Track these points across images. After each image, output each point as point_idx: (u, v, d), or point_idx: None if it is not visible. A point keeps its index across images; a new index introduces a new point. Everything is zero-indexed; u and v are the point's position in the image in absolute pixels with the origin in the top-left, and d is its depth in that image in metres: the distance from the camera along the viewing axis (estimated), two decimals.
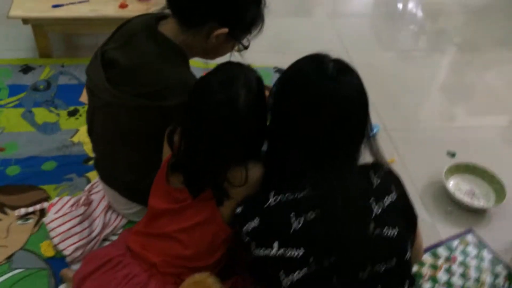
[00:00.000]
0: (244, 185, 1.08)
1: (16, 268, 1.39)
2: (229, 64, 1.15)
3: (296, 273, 1.01)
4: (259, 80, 1.11)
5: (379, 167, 1.11)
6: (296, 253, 1.00)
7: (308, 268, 1.00)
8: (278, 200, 1.03)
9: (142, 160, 1.32)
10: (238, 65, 1.12)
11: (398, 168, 1.97)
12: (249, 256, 1.07)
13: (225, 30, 1.25)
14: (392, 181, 1.11)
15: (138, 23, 1.31)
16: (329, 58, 1.06)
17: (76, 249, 1.40)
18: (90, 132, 1.44)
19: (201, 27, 1.25)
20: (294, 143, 1.05)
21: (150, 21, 1.29)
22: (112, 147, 1.36)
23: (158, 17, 1.30)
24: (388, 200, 1.06)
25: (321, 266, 1.01)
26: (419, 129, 2.23)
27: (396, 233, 1.03)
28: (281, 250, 1.00)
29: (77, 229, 1.43)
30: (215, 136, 1.05)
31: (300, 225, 1.00)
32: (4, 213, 1.54)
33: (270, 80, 2.27)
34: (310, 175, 1.03)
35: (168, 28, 1.27)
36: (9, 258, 1.42)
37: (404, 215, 1.10)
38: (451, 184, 1.86)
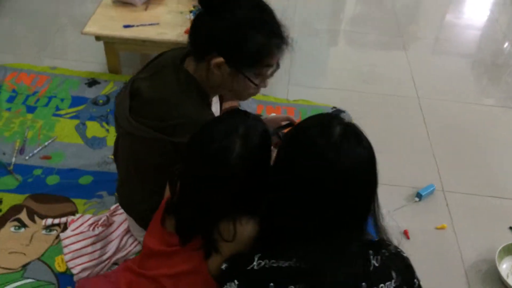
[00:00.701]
0: (232, 241, 1.01)
1: (27, 278, 1.44)
2: (234, 112, 1.10)
3: None
4: (264, 133, 1.04)
5: (382, 247, 0.99)
6: None
7: None
8: (261, 265, 0.95)
9: (156, 190, 1.30)
10: (243, 115, 1.06)
11: (447, 236, 1.79)
12: None
13: (220, 59, 1.19)
14: (395, 265, 0.97)
15: (169, 56, 1.31)
16: (339, 121, 0.97)
17: (84, 269, 1.41)
18: (115, 157, 1.46)
19: (203, 59, 1.22)
20: (289, 207, 0.96)
21: (178, 56, 1.28)
22: (129, 175, 1.36)
23: (187, 52, 1.29)
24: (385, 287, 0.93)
25: None
26: (484, 195, 2.00)
27: None
28: None
29: (89, 249, 1.44)
30: (204, 185, 1.00)
31: None
32: (33, 220, 1.60)
33: None
34: (299, 246, 0.94)
35: (191, 64, 1.25)
36: (25, 266, 1.46)
37: None
38: (504, 266, 1.64)
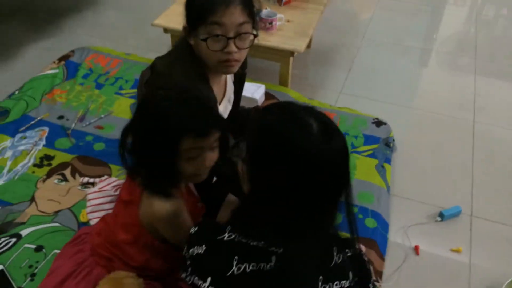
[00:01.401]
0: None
1: (56, 222, 1.68)
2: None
3: None
4: None
5: (347, 246, 1.03)
6: None
7: None
8: (231, 237, 0.99)
9: None
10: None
11: (460, 260, 1.74)
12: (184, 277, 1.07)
13: (185, 24, 1.35)
14: (354, 267, 1.01)
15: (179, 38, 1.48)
16: (311, 115, 0.97)
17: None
18: None
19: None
20: (266, 194, 0.98)
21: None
22: None
23: None
24: (338, 285, 0.97)
25: None
26: None
27: None
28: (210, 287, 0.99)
29: (106, 206, 1.65)
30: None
31: (238, 272, 0.96)
32: (73, 177, 1.85)
33: (362, 128, 2.20)
34: (269, 229, 0.97)
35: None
36: (57, 212, 1.71)
37: None
38: None
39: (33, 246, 1.59)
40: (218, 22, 1.28)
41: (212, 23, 1.29)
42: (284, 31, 2.37)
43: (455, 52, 3.07)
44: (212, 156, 1.16)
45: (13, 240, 1.61)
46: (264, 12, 2.41)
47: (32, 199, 1.76)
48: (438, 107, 2.52)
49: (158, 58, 1.48)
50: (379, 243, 1.72)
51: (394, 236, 1.82)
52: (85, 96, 2.27)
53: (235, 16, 1.29)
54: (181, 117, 1.09)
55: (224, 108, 1.59)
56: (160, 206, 1.13)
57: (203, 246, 1.01)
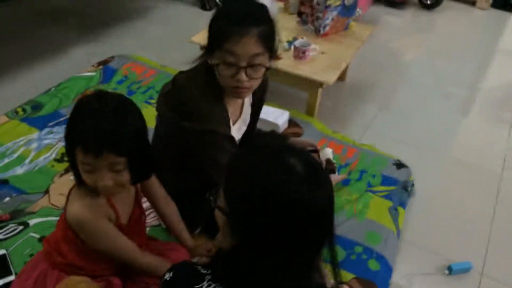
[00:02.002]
0: None
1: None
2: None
3: None
4: None
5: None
6: None
7: None
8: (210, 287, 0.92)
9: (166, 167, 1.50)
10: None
11: None
12: None
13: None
14: None
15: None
16: (295, 156, 0.91)
17: None
18: None
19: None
20: (248, 240, 0.89)
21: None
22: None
23: None
24: None
25: None
26: None
27: None
28: None
29: None
30: None
31: None
32: None
33: (381, 168, 2.17)
34: (249, 277, 0.90)
35: None
36: None
37: None
38: None
39: (38, 236, 1.64)
40: (231, 51, 1.31)
41: (225, 50, 1.31)
42: (317, 62, 2.39)
43: (497, 103, 2.99)
44: (113, 177, 1.13)
45: (21, 227, 1.67)
46: (299, 41, 2.44)
47: (46, 191, 1.82)
48: (467, 156, 2.46)
49: (180, 73, 1.53)
50: (379, 287, 1.67)
51: (397, 283, 1.76)
52: None
53: (249, 46, 1.30)
54: (82, 127, 1.09)
55: (238, 129, 1.61)
56: (70, 208, 1.20)
57: None
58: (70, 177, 1.89)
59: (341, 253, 1.75)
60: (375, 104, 2.81)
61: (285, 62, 2.33)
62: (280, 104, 2.42)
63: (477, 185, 2.28)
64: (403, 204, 2.01)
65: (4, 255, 1.56)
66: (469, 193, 2.23)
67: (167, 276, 0.95)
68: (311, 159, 0.92)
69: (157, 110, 1.56)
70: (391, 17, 4.05)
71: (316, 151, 1.64)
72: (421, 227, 2.00)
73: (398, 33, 3.80)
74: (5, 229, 1.66)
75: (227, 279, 0.91)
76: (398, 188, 2.08)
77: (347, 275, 1.67)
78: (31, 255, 1.57)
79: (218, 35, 1.32)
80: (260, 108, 1.72)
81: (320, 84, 2.31)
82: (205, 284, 0.90)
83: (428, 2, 4.21)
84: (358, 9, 3.41)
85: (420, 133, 2.59)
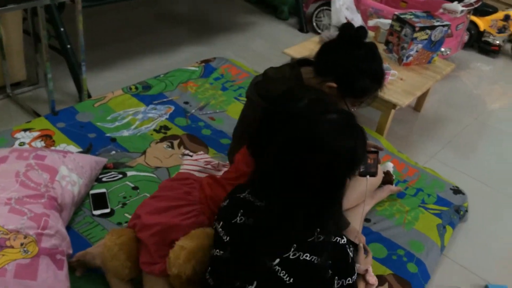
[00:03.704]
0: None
1: (153, 174, 2.08)
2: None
3: (217, 250, 1.29)
4: None
5: (333, 235, 1.20)
6: (225, 238, 1.27)
7: (224, 252, 1.26)
8: (245, 196, 1.27)
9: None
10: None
11: None
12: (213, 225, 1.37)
13: (334, 85, 1.61)
14: (334, 253, 1.18)
15: (296, 60, 1.81)
16: (333, 109, 1.22)
17: None
18: None
19: (322, 76, 1.65)
20: (279, 171, 1.18)
21: (299, 60, 1.77)
22: (236, 132, 1.92)
23: (307, 60, 1.75)
24: (308, 258, 1.15)
25: (231, 256, 1.25)
26: None
27: (290, 280, 1.15)
28: (221, 229, 1.29)
29: (195, 174, 2.00)
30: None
31: (240, 222, 1.24)
32: (179, 147, 2.26)
33: (438, 189, 2.30)
34: (273, 195, 1.19)
35: (306, 69, 1.71)
36: (157, 168, 2.12)
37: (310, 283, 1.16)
38: None
39: (132, 185, 2.00)
40: (365, 101, 1.69)
41: (362, 101, 1.69)
42: (394, 85, 2.60)
43: None
44: None
45: (120, 176, 2.04)
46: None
47: (144, 153, 2.20)
48: None
49: (270, 68, 1.83)
50: (414, 287, 1.82)
51: None
52: (210, 93, 2.71)
53: None
54: None
55: None
56: None
57: (227, 200, 1.32)
58: (163, 146, 2.26)
59: (383, 252, 1.93)
60: (446, 139, 2.94)
61: None
62: None
63: None
64: (452, 224, 2.14)
65: (104, 192, 1.94)
66: None
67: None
68: (350, 117, 1.20)
69: (246, 96, 1.87)
70: (481, 64, 4.12)
71: (377, 152, 1.84)
72: (465, 248, 2.12)
73: (485, 80, 3.88)
74: (108, 174, 2.04)
75: (254, 190, 1.25)
76: (451, 210, 2.21)
77: (385, 270, 1.85)
78: (124, 197, 1.94)
79: (362, 91, 1.65)
80: None
81: (393, 106, 2.51)
82: (244, 194, 1.26)
83: None
84: (446, 48, 3.57)
85: (486, 171, 2.68)
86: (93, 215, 1.84)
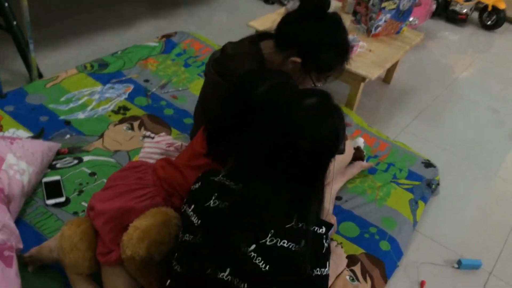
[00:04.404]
0: None
1: (113, 158, 1.95)
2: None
3: (186, 235, 1.19)
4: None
5: (310, 222, 1.13)
6: (196, 221, 1.18)
7: (194, 237, 1.17)
8: (219, 179, 1.20)
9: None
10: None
11: None
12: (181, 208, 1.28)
13: (298, 59, 1.50)
14: (311, 240, 1.12)
15: (254, 33, 1.69)
16: (309, 93, 1.19)
17: None
18: None
19: (284, 50, 1.53)
20: (260, 155, 1.17)
21: (259, 34, 1.65)
22: (197, 113, 1.83)
23: (268, 33, 1.64)
24: (286, 244, 1.09)
25: (202, 241, 1.16)
26: None
27: (265, 268, 1.08)
28: (191, 213, 1.20)
29: (156, 156, 1.89)
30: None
31: (214, 205, 1.16)
32: (139, 128, 2.12)
33: (409, 164, 2.26)
34: (251, 178, 1.16)
35: (267, 43, 1.60)
36: (116, 152, 1.99)
37: (284, 271, 1.10)
38: None
39: (89, 171, 1.87)
40: (330, 75, 1.59)
41: (327, 76, 1.59)
42: (363, 58, 2.51)
43: None
44: None
45: (75, 161, 1.91)
46: (349, 37, 2.56)
47: (101, 136, 2.05)
48: (500, 172, 2.50)
49: (229, 43, 1.71)
50: (387, 266, 1.77)
51: (405, 267, 1.85)
52: (172, 70, 2.57)
53: None
54: None
55: None
56: None
57: (199, 183, 1.23)
58: (123, 127, 2.12)
59: (355, 230, 1.87)
60: (416, 110, 2.88)
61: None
62: None
63: (504, 199, 2.33)
64: (424, 199, 2.10)
65: (58, 180, 1.80)
66: (493, 204, 2.28)
67: (201, 175, 1.24)
68: (327, 100, 1.16)
69: (205, 74, 1.74)
70: (449, 33, 4.08)
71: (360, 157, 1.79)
72: (438, 222, 2.08)
73: (453, 49, 3.84)
74: (63, 160, 1.90)
75: (231, 173, 1.19)
76: (422, 184, 2.17)
77: (357, 250, 1.79)
78: (81, 184, 1.81)
79: (327, 65, 1.55)
80: None
81: (363, 79, 2.43)
82: (218, 177, 1.19)
83: (489, 22, 4.20)
84: (414, 18, 3.51)
85: (457, 142, 2.65)
86: (47, 204, 1.71)
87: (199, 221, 1.17)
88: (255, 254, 1.10)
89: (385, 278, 1.75)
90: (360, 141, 2.20)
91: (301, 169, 1.16)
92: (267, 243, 1.10)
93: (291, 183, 1.15)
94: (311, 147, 1.13)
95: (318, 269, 1.16)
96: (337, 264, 1.68)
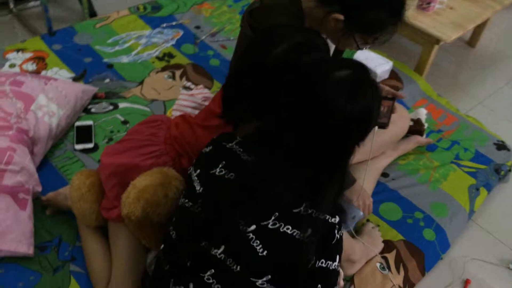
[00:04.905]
0: None
1: (148, 108, 1.88)
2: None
3: (186, 201, 1.09)
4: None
5: (322, 211, 0.99)
6: (198, 188, 1.08)
7: (193, 204, 1.07)
8: (231, 146, 1.08)
9: None
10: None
11: None
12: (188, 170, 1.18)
13: (340, 16, 1.28)
14: (318, 229, 0.98)
15: None
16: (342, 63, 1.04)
17: None
18: None
19: (326, 5, 1.31)
20: (284, 126, 1.04)
21: None
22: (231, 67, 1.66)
23: None
24: (289, 230, 0.97)
25: (200, 211, 1.06)
26: None
27: (263, 253, 0.97)
28: (196, 178, 1.10)
29: (189, 110, 1.78)
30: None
31: (219, 174, 1.05)
32: (181, 78, 2.02)
33: (478, 143, 1.96)
34: (266, 152, 1.04)
35: (310, 0, 1.38)
36: (153, 101, 1.91)
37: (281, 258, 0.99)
38: None
39: (122, 119, 1.81)
40: (379, 37, 1.33)
41: (375, 38, 1.34)
42: (441, 16, 2.18)
43: None
44: None
45: (111, 107, 1.86)
46: None
47: (141, 83, 1.98)
48: None
49: None
50: (427, 257, 1.57)
51: (450, 261, 1.64)
52: (226, 17, 2.41)
53: None
54: None
55: None
56: None
57: (210, 147, 1.12)
58: (164, 76, 2.03)
59: (397, 213, 1.67)
60: (502, 81, 2.51)
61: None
62: (389, 54, 2.28)
63: None
64: (488, 186, 1.82)
65: (90, 125, 1.76)
66: None
67: (215, 137, 1.14)
68: (361, 71, 1.03)
69: (240, 25, 1.57)
70: None
71: (393, 99, 1.53)
72: (500, 215, 1.81)
73: None
74: (98, 105, 1.86)
75: (244, 142, 1.08)
76: (489, 169, 1.88)
77: (396, 235, 1.60)
78: (112, 131, 1.76)
79: (375, 25, 1.30)
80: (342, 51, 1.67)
81: (437, 41, 2.12)
82: (230, 144, 1.08)
83: None
84: None
85: None
86: (75, 149, 1.69)
87: (201, 188, 1.07)
88: (254, 236, 0.98)
89: (423, 270, 1.55)
90: (422, 112, 1.95)
91: (321, 150, 1.01)
92: (269, 226, 0.97)
93: (308, 163, 1.01)
94: (335, 127, 0.99)
95: (323, 260, 1.01)
96: (369, 248, 1.51)
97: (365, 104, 1.00)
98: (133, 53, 2.12)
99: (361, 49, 1.37)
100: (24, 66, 1.96)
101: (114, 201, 1.28)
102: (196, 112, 1.77)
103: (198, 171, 1.10)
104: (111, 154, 1.33)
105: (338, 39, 1.37)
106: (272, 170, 1.01)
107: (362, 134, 1.04)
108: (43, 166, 1.61)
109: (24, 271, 1.34)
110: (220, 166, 1.06)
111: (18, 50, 2.03)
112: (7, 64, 1.95)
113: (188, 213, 1.08)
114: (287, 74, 1.07)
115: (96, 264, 1.32)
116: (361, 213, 1.47)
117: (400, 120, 1.77)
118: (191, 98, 1.82)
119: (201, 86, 1.94)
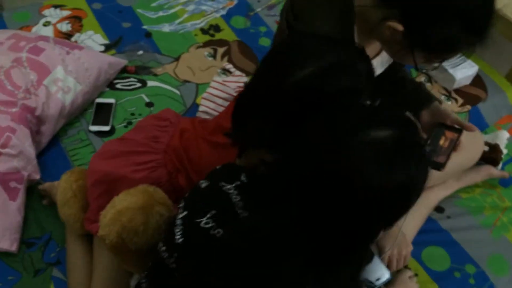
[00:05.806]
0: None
1: (178, 90, 1.67)
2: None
3: (164, 248, 0.90)
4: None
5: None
6: (178, 237, 0.88)
7: (169, 256, 0.88)
8: (229, 191, 0.87)
9: None
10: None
11: None
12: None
13: (399, 26, 0.96)
14: None
15: None
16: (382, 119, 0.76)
17: (203, 111, 1.56)
18: None
19: (385, 7, 0.99)
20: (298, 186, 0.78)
21: None
22: None
23: None
24: None
25: (175, 267, 0.87)
26: None
27: None
28: (179, 221, 0.90)
29: (219, 101, 1.56)
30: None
31: (204, 225, 0.84)
32: (222, 58, 1.77)
33: None
34: (266, 209, 0.80)
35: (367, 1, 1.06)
36: (185, 82, 1.69)
37: None
38: None
39: (147, 100, 1.63)
40: (446, 59, 1.03)
41: (440, 60, 1.04)
42: None
43: None
44: None
45: (139, 84, 1.68)
46: None
47: (177, 59, 1.77)
48: None
49: None
50: None
51: None
52: None
53: None
54: None
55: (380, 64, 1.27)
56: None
57: (207, 183, 0.91)
58: (204, 53, 1.80)
59: (444, 262, 1.37)
60: None
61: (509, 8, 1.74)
62: (478, 54, 1.86)
63: None
64: None
65: (111, 104, 1.59)
66: None
67: (219, 166, 0.94)
68: (409, 137, 0.75)
69: (280, 13, 1.29)
70: None
71: (460, 130, 1.20)
72: None
73: None
74: (126, 80, 1.68)
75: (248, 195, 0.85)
76: None
77: None
78: (133, 114, 1.59)
79: (443, 44, 0.98)
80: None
81: None
82: (229, 186, 0.87)
83: None
84: None
85: None
86: (89, 130, 1.54)
87: (181, 239, 0.87)
88: None
89: None
90: (504, 136, 1.58)
91: (338, 225, 0.75)
92: None
93: (319, 236, 0.76)
94: (358, 201, 0.72)
95: None
96: None
97: (405, 177, 0.72)
98: (177, 21, 1.89)
99: (421, 70, 1.05)
100: (58, 26, 1.81)
101: (97, 214, 1.12)
102: (227, 104, 1.55)
103: (185, 213, 0.89)
104: (102, 157, 1.16)
105: (394, 51, 1.06)
106: (272, 238, 0.76)
107: (394, 216, 0.77)
108: (51, 147, 1.48)
109: (4, 269, 1.24)
110: (208, 216, 0.84)
111: (56, 6, 1.88)
112: (42, 21, 1.82)
113: (163, 266, 0.89)
114: (308, 108, 0.82)
115: (74, 279, 1.19)
116: (389, 275, 1.19)
117: (472, 146, 1.43)
118: (222, 87, 1.59)
119: (238, 72, 1.70)
